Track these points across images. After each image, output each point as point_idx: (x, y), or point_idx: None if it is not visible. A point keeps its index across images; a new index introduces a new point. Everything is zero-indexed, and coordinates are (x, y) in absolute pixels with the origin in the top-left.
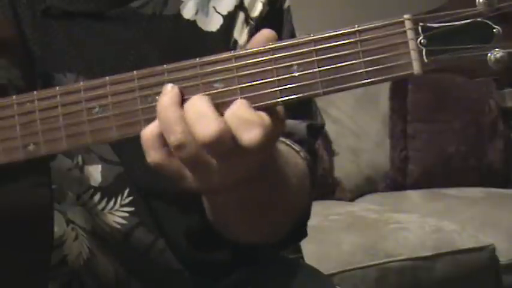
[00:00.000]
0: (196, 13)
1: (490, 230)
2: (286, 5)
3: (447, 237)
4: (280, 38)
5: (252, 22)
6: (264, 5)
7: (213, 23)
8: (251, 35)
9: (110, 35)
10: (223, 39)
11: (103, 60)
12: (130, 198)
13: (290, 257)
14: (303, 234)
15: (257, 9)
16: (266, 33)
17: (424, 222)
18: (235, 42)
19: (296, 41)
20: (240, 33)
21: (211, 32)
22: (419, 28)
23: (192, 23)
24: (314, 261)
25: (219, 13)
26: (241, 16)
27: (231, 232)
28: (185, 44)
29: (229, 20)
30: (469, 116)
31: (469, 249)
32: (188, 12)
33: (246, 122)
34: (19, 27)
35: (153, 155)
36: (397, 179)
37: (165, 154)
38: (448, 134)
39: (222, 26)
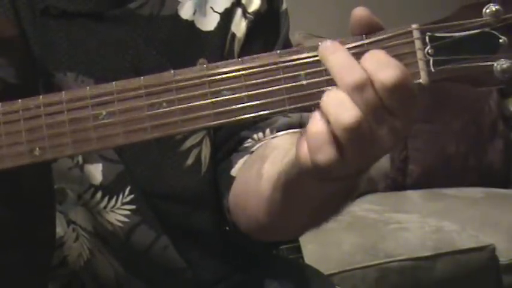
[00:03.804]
0: (194, 13)
1: (490, 230)
2: (283, 7)
3: (447, 237)
4: (277, 39)
5: (250, 16)
6: (262, 1)
7: (210, 22)
8: (249, 28)
9: (108, 35)
10: (221, 35)
11: (102, 60)
12: (132, 196)
13: (290, 257)
14: None
15: (254, 4)
16: (357, 12)
17: (424, 222)
18: (233, 35)
19: (304, 49)
20: (238, 27)
21: (209, 31)
22: (427, 38)
23: (190, 23)
24: (314, 261)
25: (216, 12)
26: (238, 11)
27: (280, 228)
28: (183, 44)
29: (226, 15)
30: (469, 116)
31: (469, 249)
32: (186, 12)
33: None
34: (20, 26)
35: (328, 151)
36: (397, 179)
37: (337, 148)
38: (448, 134)
39: (219, 22)
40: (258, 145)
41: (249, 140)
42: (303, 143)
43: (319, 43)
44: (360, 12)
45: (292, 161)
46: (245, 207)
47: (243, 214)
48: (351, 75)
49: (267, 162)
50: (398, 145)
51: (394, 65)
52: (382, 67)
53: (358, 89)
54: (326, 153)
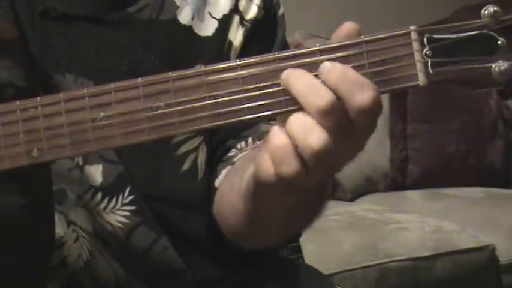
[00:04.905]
0: (192, 18)
1: (490, 230)
2: (280, 12)
3: (447, 237)
4: (273, 44)
5: (247, 24)
6: (259, 8)
7: (208, 28)
8: (246, 36)
9: (107, 38)
10: (218, 41)
11: (100, 63)
12: (132, 197)
13: (290, 257)
14: (298, 235)
15: (252, 12)
16: (348, 26)
17: (424, 222)
18: (230, 43)
19: (302, 51)
20: (235, 35)
21: (207, 37)
22: (425, 40)
23: (188, 28)
24: (314, 261)
25: (214, 18)
26: (236, 18)
27: (258, 237)
28: (181, 48)
29: (224, 22)
30: (468, 116)
31: (469, 249)
32: (184, 17)
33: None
34: (19, 27)
35: (292, 164)
36: (397, 179)
37: (302, 162)
38: (448, 134)
39: (217, 29)
40: (240, 155)
41: (233, 150)
42: (264, 156)
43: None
44: (350, 26)
45: (253, 173)
46: (223, 217)
47: (222, 223)
48: (319, 99)
49: (238, 174)
50: (356, 157)
51: (368, 86)
52: (357, 89)
53: (326, 113)
54: (291, 166)
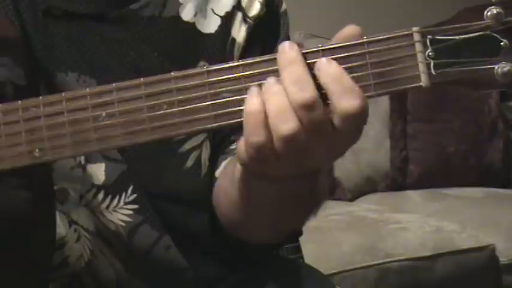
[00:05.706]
0: (195, 15)
1: (490, 230)
2: (282, 8)
3: (447, 237)
4: (276, 42)
5: (250, 21)
6: (262, 5)
7: (211, 25)
8: (249, 33)
9: (110, 36)
10: (221, 38)
11: (103, 61)
12: (135, 195)
13: (290, 257)
14: (299, 233)
15: (254, 9)
16: (351, 29)
17: (424, 222)
18: (233, 40)
19: (303, 51)
20: (238, 32)
21: (210, 34)
22: (428, 41)
23: (191, 25)
24: (314, 261)
25: (217, 14)
26: (238, 15)
27: (251, 227)
28: (184, 45)
29: (227, 19)
30: (468, 116)
31: (469, 249)
32: (187, 14)
33: None
34: (22, 26)
35: (261, 134)
36: (397, 179)
37: (269, 135)
38: (448, 134)
39: (220, 26)
40: None
41: (235, 143)
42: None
43: (280, 46)
44: (353, 29)
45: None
46: (217, 204)
47: (218, 211)
48: (301, 93)
49: (234, 163)
50: (336, 160)
51: (359, 94)
52: (347, 93)
53: (306, 108)
54: (260, 136)
